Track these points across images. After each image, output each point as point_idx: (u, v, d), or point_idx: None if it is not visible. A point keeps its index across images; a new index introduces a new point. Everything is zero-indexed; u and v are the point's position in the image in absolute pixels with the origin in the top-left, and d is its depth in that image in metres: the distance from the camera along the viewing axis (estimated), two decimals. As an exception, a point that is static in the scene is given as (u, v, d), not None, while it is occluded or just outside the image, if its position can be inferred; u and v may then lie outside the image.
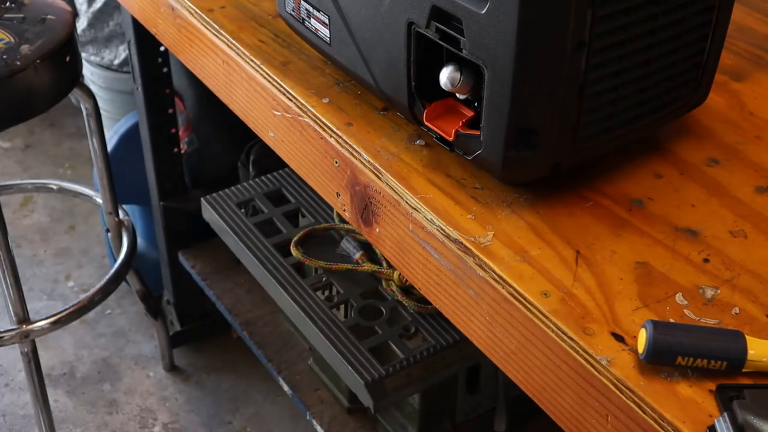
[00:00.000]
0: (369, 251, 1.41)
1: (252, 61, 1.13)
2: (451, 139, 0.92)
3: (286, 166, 1.32)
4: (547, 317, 0.81)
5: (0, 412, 1.90)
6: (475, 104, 0.91)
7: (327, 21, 1.03)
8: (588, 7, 0.81)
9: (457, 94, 0.92)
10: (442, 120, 0.93)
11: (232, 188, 1.57)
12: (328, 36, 1.04)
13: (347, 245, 1.43)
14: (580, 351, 0.78)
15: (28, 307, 1.55)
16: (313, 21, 1.06)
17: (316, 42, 1.08)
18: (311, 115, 1.05)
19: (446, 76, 0.88)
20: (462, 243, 0.88)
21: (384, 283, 1.38)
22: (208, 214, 1.54)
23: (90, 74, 2.05)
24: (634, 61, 0.88)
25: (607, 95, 0.88)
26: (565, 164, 0.91)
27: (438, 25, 0.88)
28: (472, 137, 0.90)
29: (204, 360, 2.01)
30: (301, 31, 1.10)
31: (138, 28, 1.56)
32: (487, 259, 0.86)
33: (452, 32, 0.86)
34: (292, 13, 1.10)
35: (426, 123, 0.94)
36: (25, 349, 1.56)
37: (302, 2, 1.07)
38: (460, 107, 0.93)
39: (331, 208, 1.51)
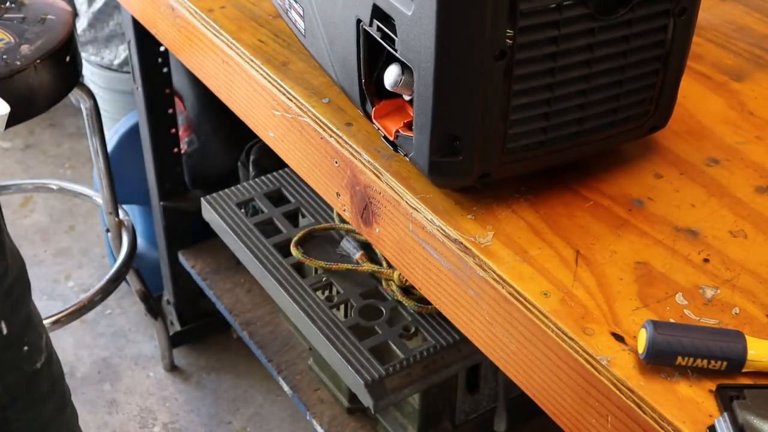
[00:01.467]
0: (369, 251, 1.41)
1: (252, 61, 1.13)
2: (392, 138, 0.92)
3: (286, 166, 1.32)
4: (547, 317, 0.81)
5: (0, 412, 1.90)
6: None
7: (302, 12, 1.05)
8: (506, 17, 0.79)
9: (404, 95, 0.91)
10: (389, 119, 0.93)
11: (232, 188, 1.57)
12: (304, 27, 1.05)
13: (347, 245, 1.43)
14: (580, 351, 0.78)
15: (28, 307, 1.55)
16: (292, 12, 1.08)
17: (295, 33, 1.10)
18: (311, 115, 1.05)
19: (388, 75, 0.88)
20: (462, 243, 0.88)
21: (384, 283, 1.38)
22: (208, 214, 1.54)
23: (90, 74, 2.05)
24: (568, 76, 0.85)
25: (538, 108, 0.86)
26: (497, 175, 0.89)
27: (378, 23, 0.88)
28: (408, 138, 0.90)
29: (204, 360, 2.01)
30: (286, 21, 1.13)
31: (138, 28, 1.56)
32: (487, 259, 0.86)
33: (389, 32, 0.87)
34: (280, 2, 1.11)
35: (374, 120, 0.95)
36: (25, 349, 1.56)
37: None
38: (408, 108, 0.92)
39: (331, 208, 1.51)
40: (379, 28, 0.88)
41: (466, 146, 0.85)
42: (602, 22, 0.83)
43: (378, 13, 0.87)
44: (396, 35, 0.85)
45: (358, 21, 0.91)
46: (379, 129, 0.95)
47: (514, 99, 0.84)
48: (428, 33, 0.80)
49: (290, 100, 1.08)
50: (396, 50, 0.86)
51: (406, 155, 0.92)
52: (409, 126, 0.91)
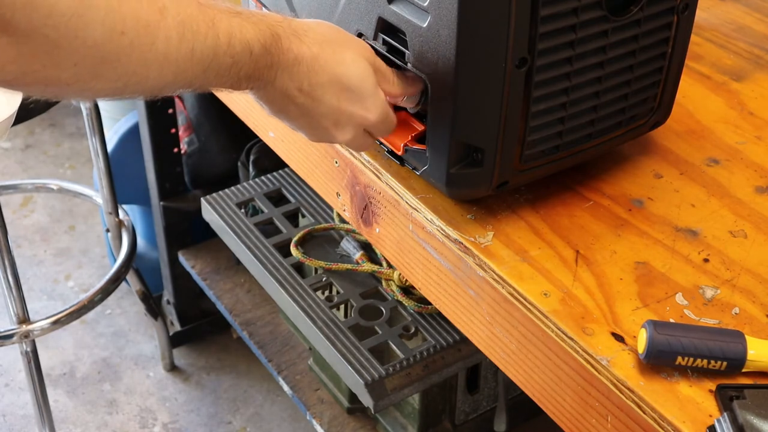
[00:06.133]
0: (369, 251, 1.41)
1: (252, 61, 1.13)
2: (399, 153, 0.91)
3: (286, 166, 1.32)
4: (547, 317, 0.81)
5: (0, 412, 1.90)
6: (426, 118, 0.89)
7: None
8: (528, 23, 0.79)
9: (408, 108, 0.91)
10: (393, 133, 0.91)
11: (232, 188, 1.57)
12: None
13: (347, 245, 1.43)
14: (580, 351, 0.78)
15: (28, 307, 1.55)
16: None
17: None
18: (311, 115, 1.05)
19: None
20: (462, 243, 0.88)
21: (384, 283, 1.38)
22: (208, 214, 1.54)
23: (90, 74, 2.04)
24: (583, 79, 0.86)
25: (555, 113, 0.86)
26: (514, 183, 0.89)
27: (384, 37, 0.87)
28: (419, 152, 0.89)
29: (204, 360, 2.01)
30: None
31: (138, 28, 1.55)
32: (487, 259, 0.86)
33: (398, 44, 0.86)
34: None
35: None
36: (25, 349, 1.56)
37: (263, 8, 1.06)
38: (412, 121, 0.92)
39: (331, 208, 1.51)
40: (384, 42, 0.87)
41: (487, 156, 0.85)
42: (615, 23, 0.84)
43: (384, 26, 0.86)
44: (407, 48, 0.84)
45: (359, 35, 0.90)
46: (382, 144, 0.94)
47: (534, 105, 0.84)
48: (447, 44, 0.79)
49: (290, 100, 1.08)
50: (407, 63, 0.85)
51: (414, 169, 0.91)
52: (417, 139, 0.90)
